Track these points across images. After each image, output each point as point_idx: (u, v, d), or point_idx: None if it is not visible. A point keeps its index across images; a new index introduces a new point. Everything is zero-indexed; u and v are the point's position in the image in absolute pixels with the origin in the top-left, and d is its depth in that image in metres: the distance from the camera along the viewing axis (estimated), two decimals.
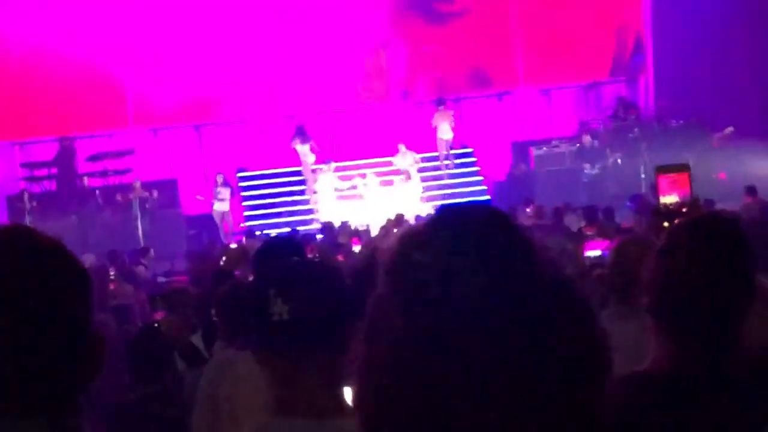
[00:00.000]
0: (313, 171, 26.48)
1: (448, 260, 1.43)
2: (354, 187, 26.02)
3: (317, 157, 26.66)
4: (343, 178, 26.19)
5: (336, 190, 25.92)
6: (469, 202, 1.58)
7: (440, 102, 27.43)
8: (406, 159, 26.54)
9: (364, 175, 26.30)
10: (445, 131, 27.21)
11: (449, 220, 1.49)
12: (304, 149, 26.56)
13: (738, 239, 2.66)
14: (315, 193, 26.30)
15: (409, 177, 26.31)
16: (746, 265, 2.65)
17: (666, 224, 2.97)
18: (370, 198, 25.85)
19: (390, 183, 26.41)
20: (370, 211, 24.89)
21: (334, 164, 26.38)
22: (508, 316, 1.40)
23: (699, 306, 2.62)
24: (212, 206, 25.93)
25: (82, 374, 2.01)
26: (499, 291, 1.40)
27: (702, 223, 2.75)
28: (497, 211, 1.53)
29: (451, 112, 27.35)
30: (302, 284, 2.89)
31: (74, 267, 2.05)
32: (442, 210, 1.53)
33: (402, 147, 26.71)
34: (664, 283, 2.68)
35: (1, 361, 1.92)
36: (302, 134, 26.62)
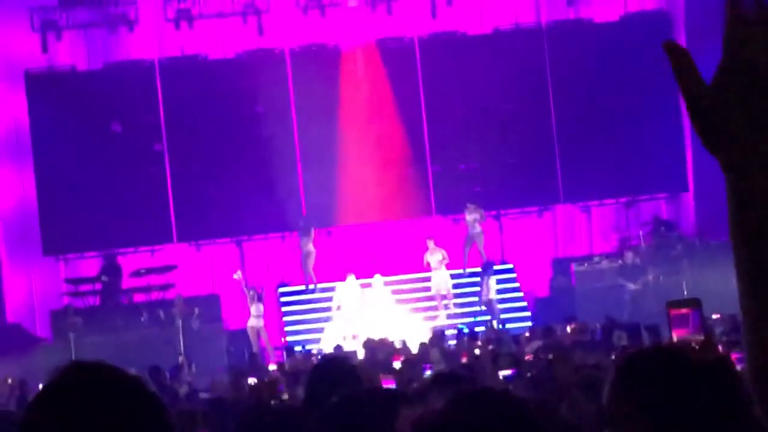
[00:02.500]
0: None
1: None
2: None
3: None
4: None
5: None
6: (484, 396, 1.58)
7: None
8: (434, 256, 26.65)
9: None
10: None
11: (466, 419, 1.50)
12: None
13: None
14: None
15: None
16: None
17: None
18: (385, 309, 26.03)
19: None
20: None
21: (381, 278, 26.51)
22: None
23: None
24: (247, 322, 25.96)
25: None
26: None
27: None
28: (513, 410, 1.53)
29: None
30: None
31: (161, 409, 2.07)
32: (457, 404, 1.54)
33: (431, 243, 26.79)
34: None
35: None
36: None
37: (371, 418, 2.84)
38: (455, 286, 27.18)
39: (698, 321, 2.99)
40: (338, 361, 5.79)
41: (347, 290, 26.29)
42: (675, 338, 2.94)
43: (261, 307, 25.83)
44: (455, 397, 1.55)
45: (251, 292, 25.85)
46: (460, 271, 27.43)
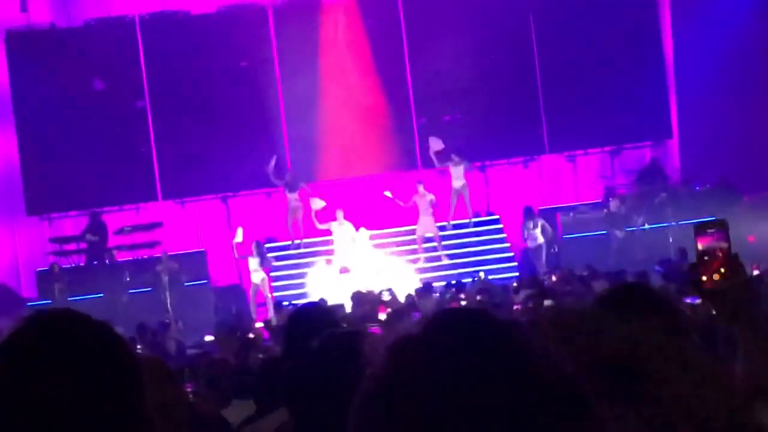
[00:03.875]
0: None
1: (443, 384, 1.41)
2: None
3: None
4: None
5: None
6: (465, 313, 1.54)
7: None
8: (423, 199, 26.66)
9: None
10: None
11: (445, 340, 1.47)
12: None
13: None
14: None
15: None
16: None
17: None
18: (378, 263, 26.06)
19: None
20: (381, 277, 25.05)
21: (366, 232, 26.51)
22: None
23: None
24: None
25: None
26: (495, 410, 1.39)
27: None
28: (492, 326, 1.50)
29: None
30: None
31: (127, 356, 2.04)
32: (435, 325, 1.50)
33: (420, 187, 26.78)
34: None
35: None
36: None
37: (347, 357, 2.81)
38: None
39: (723, 234, 3.02)
40: (315, 308, 5.72)
41: (338, 228, 26.31)
42: (700, 246, 2.98)
43: (257, 261, 25.65)
44: (435, 314, 1.51)
45: (254, 244, 25.83)
46: (444, 223, 27.43)
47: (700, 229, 3.01)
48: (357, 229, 26.50)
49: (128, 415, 1.98)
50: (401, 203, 26.93)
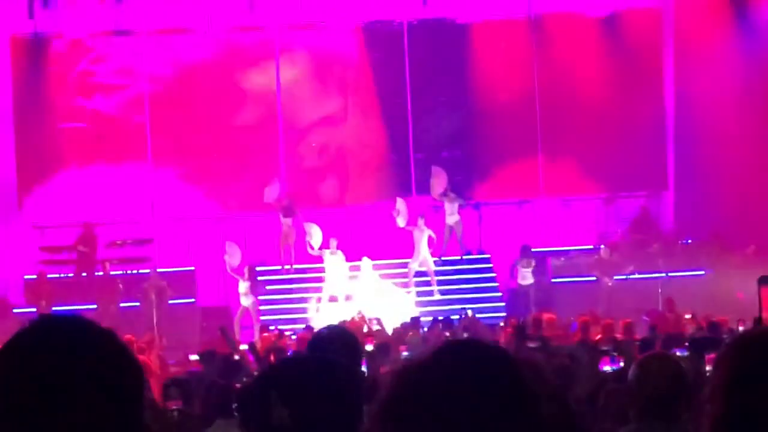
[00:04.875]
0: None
1: (450, 409, 1.43)
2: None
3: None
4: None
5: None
6: (474, 345, 1.56)
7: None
8: (423, 233, 26.61)
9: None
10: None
11: (456, 370, 1.48)
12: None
13: None
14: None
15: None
16: None
17: None
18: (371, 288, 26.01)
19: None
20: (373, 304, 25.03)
21: (369, 261, 26.48)
22: None
23: None
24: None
25: None
26: None
27: None
28: (500, 359, 1.52)
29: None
30: (307, 386, 2.66)
31: (132, 365, 2.03)
32: (442, 356, 1.52)
33: (421, 221, 26.71)
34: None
35: None
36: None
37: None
38: None
39: None
40: (339, 329, 5.70)
41: (330, 256, 26.25)
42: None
43: (247, 285, 25.59)
44: (443, 345, 1.53)
45: (246, 268, 25.79)
46: (436, 259, 27.41)
47: (764, 282, 3.01)
48: (360, 258, 26.50)
49: (129, 422, 1.98)
50: (400, 222, 26.80)
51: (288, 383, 2.66)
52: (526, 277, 26.28)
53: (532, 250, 27.26)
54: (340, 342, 4.90)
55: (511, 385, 1.48)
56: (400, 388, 1.49)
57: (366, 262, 26.45)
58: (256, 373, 12.24)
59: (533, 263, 26.29)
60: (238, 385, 9.13)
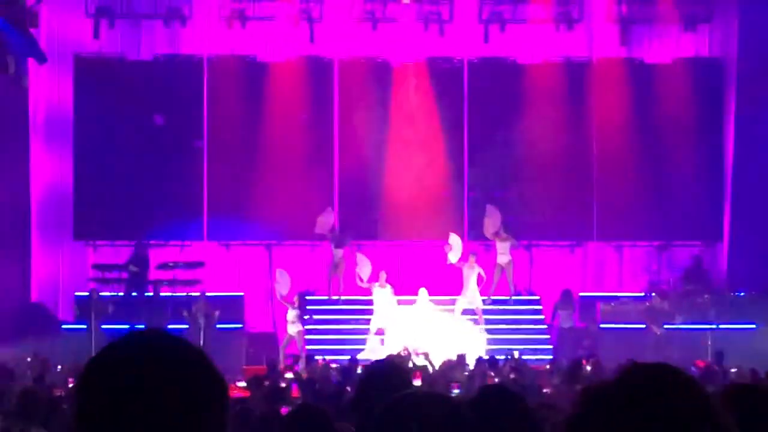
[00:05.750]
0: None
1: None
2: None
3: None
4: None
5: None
6: (661, 369, 1.61)
7: None
8: (473, 271, 26.59)
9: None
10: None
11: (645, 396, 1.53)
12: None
13: None
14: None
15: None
16: None
17: None
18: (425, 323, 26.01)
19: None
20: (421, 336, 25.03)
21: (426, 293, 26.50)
22: None
23: None
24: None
25: None
26: None
27: None
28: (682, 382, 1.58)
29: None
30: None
31: (219, 382, 2.05)
32: (632, 378, 1.56)
33: (472, 258, 26.70)
34: None
35: None
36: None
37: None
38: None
39: None
40: (390, 365, 5.72)
41: (378, 290, 26.29)
42: None
43: (296, 313, 25.69)
44: (633, 366, 1.61)
45: (296, 296, 25.97)
46: (485, 297, 27.30)
47: None
48: (414, 291, 26.55)
49: None
50: (452, 258, 26.81)
51: (424, 417, 2.84)
52: (566, 320, 26.40)
53: (581, 294, 27.15)
54: (393, 377, 4.91)
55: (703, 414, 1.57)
56: (587, 407, 1.54)
57: (423, 293, 26.47)
58: (300, 401, 12.24)
59: (572, 308, 26.51)
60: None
